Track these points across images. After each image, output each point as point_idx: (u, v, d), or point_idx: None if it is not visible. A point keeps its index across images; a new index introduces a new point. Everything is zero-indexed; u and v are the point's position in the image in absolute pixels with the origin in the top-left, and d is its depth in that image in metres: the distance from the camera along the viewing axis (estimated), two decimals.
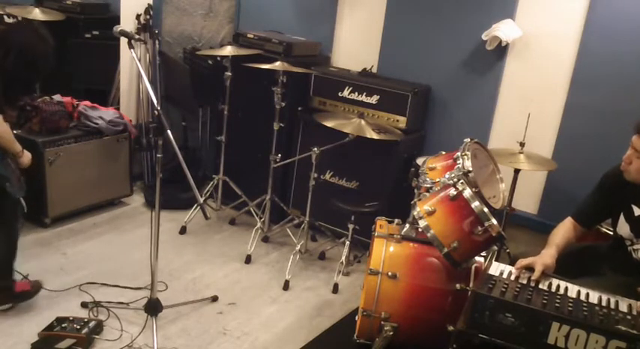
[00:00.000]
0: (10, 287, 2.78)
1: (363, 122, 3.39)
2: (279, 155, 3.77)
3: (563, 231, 2.55)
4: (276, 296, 3.33)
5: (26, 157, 2.72)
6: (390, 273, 2.58)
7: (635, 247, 2.45)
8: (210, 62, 4.16)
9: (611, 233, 2.80)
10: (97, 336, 2.74)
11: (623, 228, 2.50)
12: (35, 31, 2.62)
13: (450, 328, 2.41)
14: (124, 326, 2.85)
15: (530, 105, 3.47)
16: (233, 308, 3.15)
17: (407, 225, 2.82)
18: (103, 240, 3.74)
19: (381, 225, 2.84)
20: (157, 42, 4.51)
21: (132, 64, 4.41)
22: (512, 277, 2.24)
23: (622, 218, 2.50)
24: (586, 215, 2.58)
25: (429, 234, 2.44)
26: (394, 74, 3.90)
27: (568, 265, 2.43)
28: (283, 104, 3.68)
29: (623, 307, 2.09)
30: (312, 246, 3.83)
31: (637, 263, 2.45)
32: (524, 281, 2.22)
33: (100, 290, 3.14)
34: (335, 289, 3.42)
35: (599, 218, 2.63)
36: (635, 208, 2.43)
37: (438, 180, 2.70)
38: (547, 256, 2.33)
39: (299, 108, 3.95)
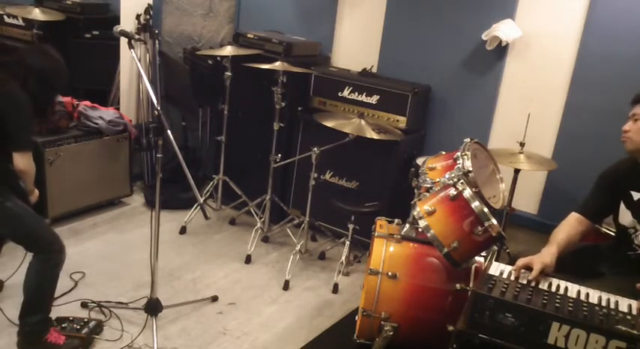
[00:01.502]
0: (44, 329, 2.61)
1: (363, 122, 3.39)
2: (279, 155, 3.77)
3: (566, 228, 2.55)
4: (276, 296, 3.33)
5: (35, 195, 2.70)
6: (390, 273, 2.58)
7: (638, 233, 2.47)
8: (210, 62, 4.15)
9: (612, 233, 2.82)
10: (97, 336, 2.75)
11: (625, 216, 2.51)
12: (47, 53, 2.62)
13: (450, 328, 2.41)
14: (124, 326, 2.85)
15: (530, 105, 3.48)
16: (233, 308, 3.16)
17: (407, 225, 2.82)
18: (103, 240, 3.74)
19: (381, 225, 2.84)
20: (157, 42, 4.51)
21: (132, 64, 4.41)
22: (512, 277, 2.24)
23: (622, 207, 2.52)
24: (591, 208, 2.59)
25: (429, 234, 2.44)
26: (394, 74, 3.90)
27: (568, 265, 2.43)
28: (283, 104, 3.68)
29: (623, 307, 2.09)
30: (312, 246, 3.83)
31: (637, 261, 2.46)
32: (524, 281, 2.21)
33: (100, 290, 3.14)
34: (335, 289, 3.42)
35: (603, 210, 2.62)
36: (633, 193, 2.47)
37: (438, 180, 2.70)
38: (546, 255, 2.33)
39: (299, 108, 3.95)
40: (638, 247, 2.47)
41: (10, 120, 2.42)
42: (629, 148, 2.46)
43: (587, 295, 2.15)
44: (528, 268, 2.27)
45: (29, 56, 2.57)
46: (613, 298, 2.14)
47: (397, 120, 3.68)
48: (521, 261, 2.29)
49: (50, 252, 2.54)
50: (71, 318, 2.78)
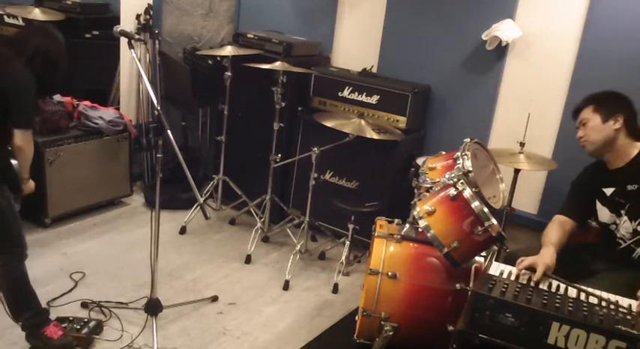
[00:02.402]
0: (40, 321, 2.63)
1: (363, 122, 3.39)
2: (279, 155, 3.77)
3: (555, 228, 2.59)
4: (276, 296, 3.33)
5: (30, 185, 2.67)
6: (390, 273, 2.58)
7: (619, 227, 2.54)
8: (210, 62, 4.16)
9: None
10: (97, 336, 2.75)
11: (604, 214, 2.59)
12: (52, 34, 2.60)
13: (450, 328, 2.41)
14: (124, 326, 2.85)
15: (530, 106, 3.48)
16: (233, 308, 3.16)
17: (407, 225, 2.82)
18: (103, 240, 3.74)
19: (381, 225, 2.84)
20: (157, 42, 4.51)
21: (132, 64, 4.41)
22: (512, 277, 2.24)
23: (599, 205, 2.60)
24: (572, 209, 2.67)
25: (429, 234, 2.44)
26: (394, 74, 3.90)
27: (565, 264, 2.44)
28: (283, 104, 3.68)
29: (623, 307, 2.09)
30: (312, 246, 3.83)
31: (625, 254, 2.50)
32: (524, 281, 2.22)
33: (100, 290, 3.14)
34: (335, 289, 3.42)
35: (585, 211, 2.68)
36: (605, 190, 2.58)
37: (438, 180, 2.70)
38: (547, 256, 2.34)
39: (299, 108, 3.95)
40: (622, 240, 2.53)
41: (11, 98, 2.39)
42: (590, 150, 2.60)
43: (587, 295, 2.15)
44: (530, 269, 2.28)
45: (35, 36, 2.55)
46: (613, 298, 2.15)
47: (397, 120, 3.68)
48: (523, 262, 2.29)
49: (10, 254, 2.52)
50: (71, 318, 2.78)
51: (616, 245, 2.56)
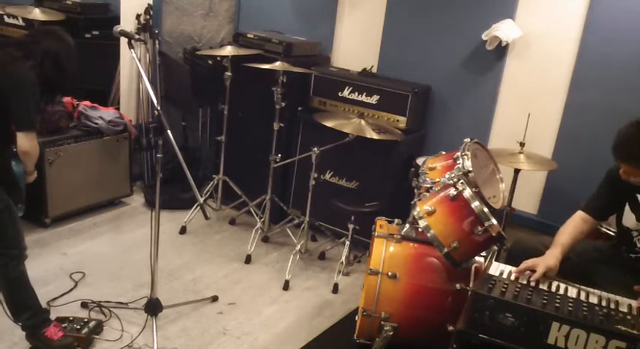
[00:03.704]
0: (40, 321, 2.63)
1: (363, 122, 3.39)
2: (279, 155, 3.77)
3: (571, 228, 2.54)
4: (276, 296, 3.33)
5: (33, 176, 2.67)
6: (390, 273, 2.58)
7: None
8: (210, 62, 4.15)
9: (612, 233, 2.82)
10: (97, 336, 2.75)
11: (629, 219, 2.52)
12: (62, 38, 2.60)
13: (450, 328, 2.42)
14: (124, 326, 2.85)
15: (530, 105, 3.47)
16: (233, 308, 3.16)
17: (407, 225, 2.82)
18: (103, 240, 3.74)
19: (381, 225, 2.84)
20: (157, 42, 4.51)
21: (132, 64, 4.41)
22: (512, 277, 2.24)
23: (627, 209, 2.52)
24: (597, 207, 2.59)
25: (429, 234, 2.45)
26: (394, 74, 3.90)
27: (570, 267, 2.44)
28: (283, 104, 3.68)
29: (623, 307, 2.09)
30: (312, 246, 3.83)
31: (636, 261, 2.47)
32: (524, 282, 2.22)
33: (100, 290, 3.14)
34: (335, 289, 3.42)
35: (609, 209, 2.61)
36: (639, 196, 2.46)
37: (438, 180, 2.70)
38: (551, 258, 2.33)
39: (299, 108, 3.95)
40: (638, 250, 2.48)
41: (10, 98, 2.38)
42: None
43: (587, 295, 2.15)
44: (532, 270, 2.27)
45: (45, 39, 2.54)
46: (613, 298, 2.15)
47: (397, 120, 3.68)
48: (525, 264, 2.29)
49: (8, 255, 2.50)
50: (71, 318, 2.78)
51: (630, 252, 2.51)
